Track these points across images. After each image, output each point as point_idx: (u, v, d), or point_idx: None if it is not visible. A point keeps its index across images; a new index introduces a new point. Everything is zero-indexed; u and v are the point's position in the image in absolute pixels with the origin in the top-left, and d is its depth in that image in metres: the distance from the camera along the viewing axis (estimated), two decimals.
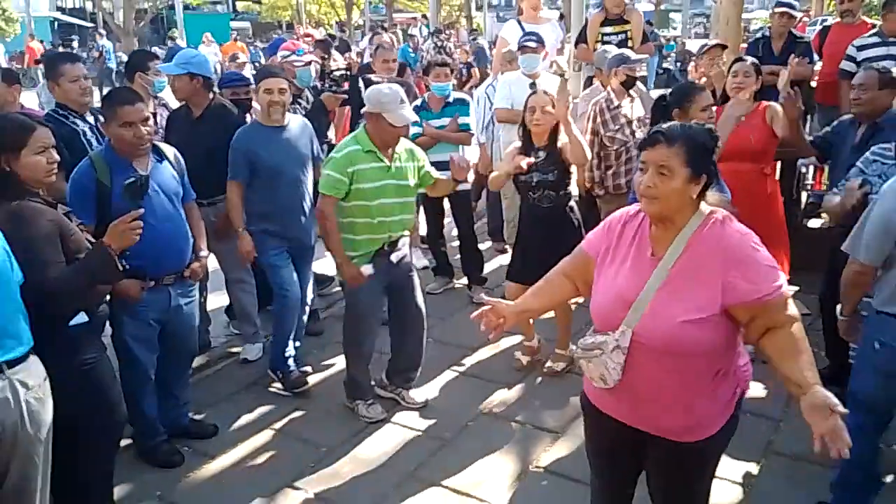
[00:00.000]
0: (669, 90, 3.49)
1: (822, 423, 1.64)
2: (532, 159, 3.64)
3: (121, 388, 2.69)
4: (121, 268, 2.37)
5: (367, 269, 3.31)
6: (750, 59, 4.02)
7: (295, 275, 3.76)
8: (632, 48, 5.30)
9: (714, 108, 3.48)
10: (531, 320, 3.92)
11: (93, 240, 2.45)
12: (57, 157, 2.40)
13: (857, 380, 2.59)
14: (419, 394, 3.67)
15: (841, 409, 1.64)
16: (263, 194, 3.63)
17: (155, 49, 10.53)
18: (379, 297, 3.49)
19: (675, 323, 1.77)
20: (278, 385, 3.83)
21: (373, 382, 3.65)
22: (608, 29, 5.72)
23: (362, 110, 3.38)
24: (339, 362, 3.94)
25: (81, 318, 2.42)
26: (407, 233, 3.48)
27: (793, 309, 1.81)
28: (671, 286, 1.82)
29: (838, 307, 2.68)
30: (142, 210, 2.43)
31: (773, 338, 1.79)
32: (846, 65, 4.98)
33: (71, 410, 2.34)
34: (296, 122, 3.78)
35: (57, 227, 2.31)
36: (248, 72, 6.77)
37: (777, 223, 3.95)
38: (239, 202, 3.63)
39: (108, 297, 2.69)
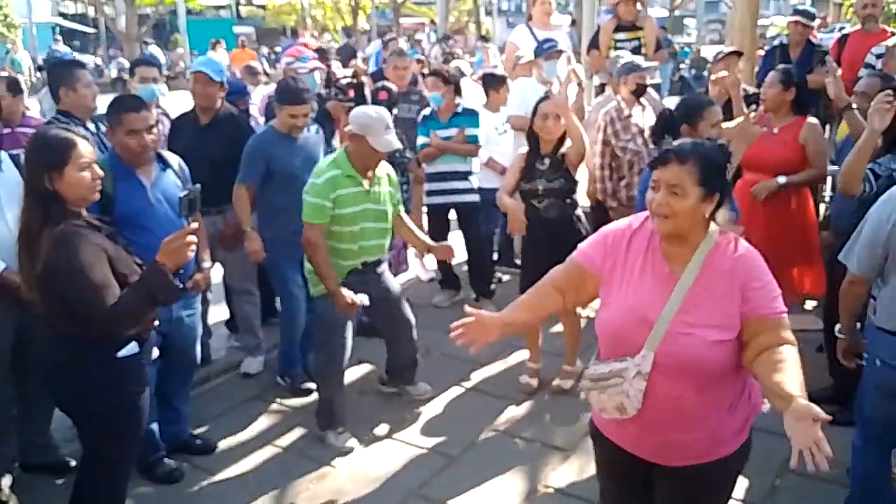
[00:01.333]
0: (676, 103, 3.39)
1: (803, 433, 1.53)
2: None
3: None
4: (177, 286, 2.28)
5: (362, 299, 3.22)
6: (783, 67, 3.94)
7: (301, 281, 3.71)
8: (645, 55, 5.22)
9: (722, 123, 3.32)
10: (539, 342, 3.85)
11: (138, 260, 2.37)
12: (101, 173, 2.31)
13: (861, 396, 2.59)
14: (423, 386, 3.74)
15: (823, 416, 1.53)
16: (279, 196, 3.62)
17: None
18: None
19: (703, 344, 1.75)
20: (279, 399, 3.78)
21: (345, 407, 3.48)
22: (621, 35, 5.64)
23: (346, 128, 3.33)
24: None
25: (132, 349, 2.35)
26: (384, 257, 3.45)
27: (790, 333, 1.78)
28: (692, 306, 1.78)
29: (837, 326, 2.63)
30: (196, 225, 2.31)
31: (768, 355, 1.74)
32: (865, 73, 4.88)
33: (107, 436, 2.35)
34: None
35: (104, 251, 2.22)
36: (262, 91, 5.89)
37: (801, 238, 3.81)
38: (247, 203, 3.63)
39: None
